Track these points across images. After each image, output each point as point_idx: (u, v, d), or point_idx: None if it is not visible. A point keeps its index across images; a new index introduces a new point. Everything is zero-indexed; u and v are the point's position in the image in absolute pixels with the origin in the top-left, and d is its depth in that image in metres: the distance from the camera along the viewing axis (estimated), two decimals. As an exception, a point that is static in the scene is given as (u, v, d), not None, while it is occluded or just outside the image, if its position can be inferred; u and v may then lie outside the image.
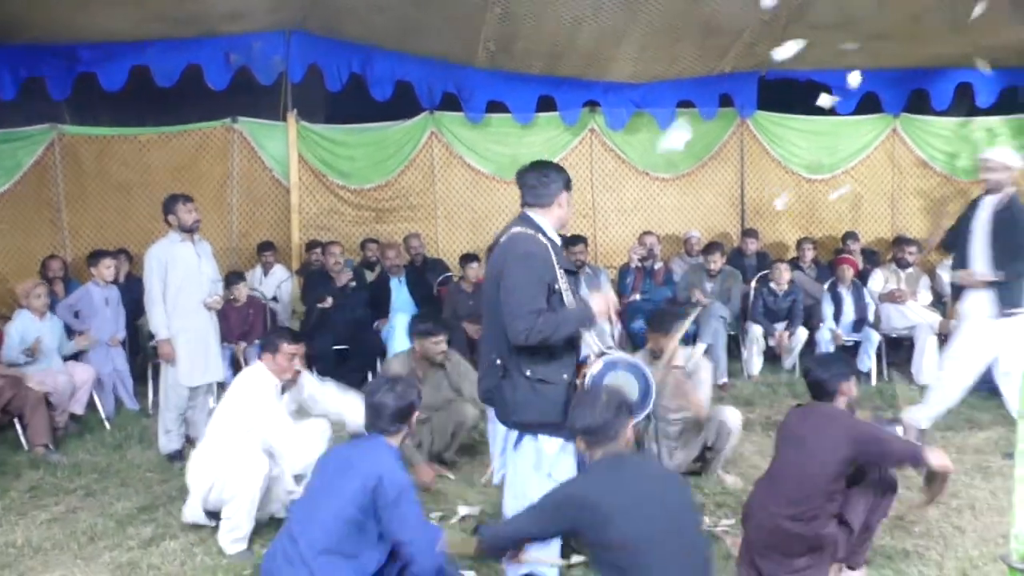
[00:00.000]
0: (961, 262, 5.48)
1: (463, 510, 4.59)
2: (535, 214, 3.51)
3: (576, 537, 2.90)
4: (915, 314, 7.52)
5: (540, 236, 3.44)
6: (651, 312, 5.14)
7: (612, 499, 2.75)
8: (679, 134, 5.87)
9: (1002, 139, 9.11)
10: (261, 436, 4.27)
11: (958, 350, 5.52)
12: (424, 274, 8.09)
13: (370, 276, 7.96)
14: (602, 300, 3.46)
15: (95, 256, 6.90)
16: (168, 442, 5.60)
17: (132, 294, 6.95)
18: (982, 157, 5.58)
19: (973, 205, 5.55)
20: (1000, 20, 7.19)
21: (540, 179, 3.51)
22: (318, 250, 7.97)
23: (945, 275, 8.29)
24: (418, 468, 4.87)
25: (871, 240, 9.18)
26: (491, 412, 3.65)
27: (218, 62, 7.63)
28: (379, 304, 7.61)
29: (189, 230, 5.54)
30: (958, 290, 5.55)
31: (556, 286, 3.36)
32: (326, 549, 3.07)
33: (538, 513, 2.92)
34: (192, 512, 4.40)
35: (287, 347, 4.40)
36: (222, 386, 6.84)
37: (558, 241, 3.54)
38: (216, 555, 4.10)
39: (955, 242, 5.61)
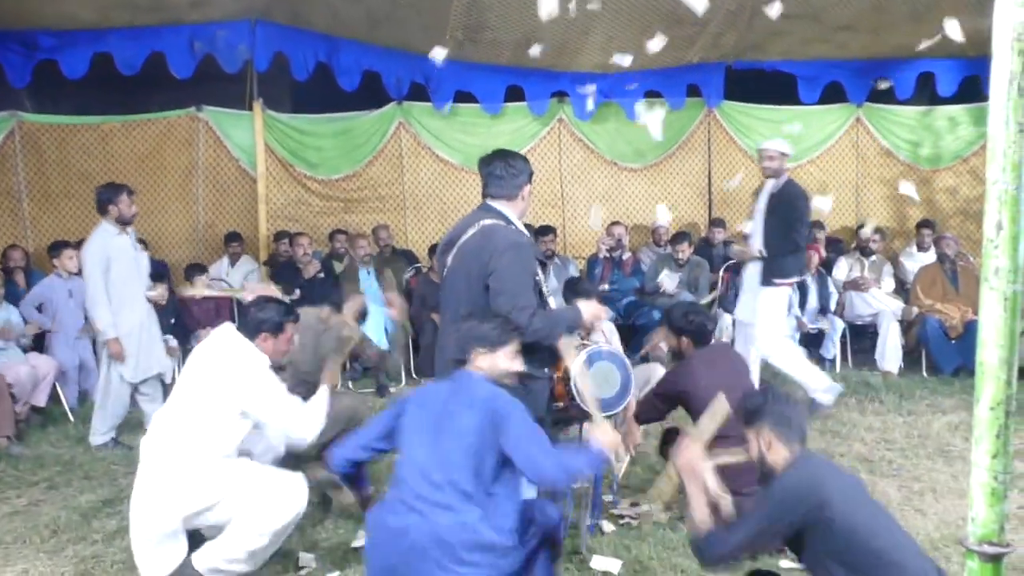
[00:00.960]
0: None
1: None
2: (500, 205, 3.43)
3: (797, 538, 2.64)
4: (878, 301, 7.63)
5: (513, 227, 3.39)
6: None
7: (828, 487, 2.58)
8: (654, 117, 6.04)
9: (963, 127, 9.27)
10: (272, 427, 3.60)
11: (760, 326, 5.98)
12: (393, 265, 8.05)
13: (338, 267, 7.90)
14: (594, 310, 3.44)
15: (56, 247, 6.79)
16: (101, 438, 5.59)
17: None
18: (760, 147, 6.19)
19: (759, 190, 6.31)
20: (960, 9, 7.31)
21: (508, 170, 3.43)
22: (286, 241, 7.91)
23: (907, 262, 8.45)
24: (339, 492, 4.22)
25: (835, 229, 9.28)
26: None
27: (182, 50, 7.51)
28: (347, 295, 7.55)
29: (127, 223, 5.41)
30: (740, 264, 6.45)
31: (537, 278, 3.33)
32: (464, 489, 2.80)
33: (763, 513, 2.64)
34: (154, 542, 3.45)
35: (292, 328, 3.74)
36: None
37: (526, 232, 3.52)
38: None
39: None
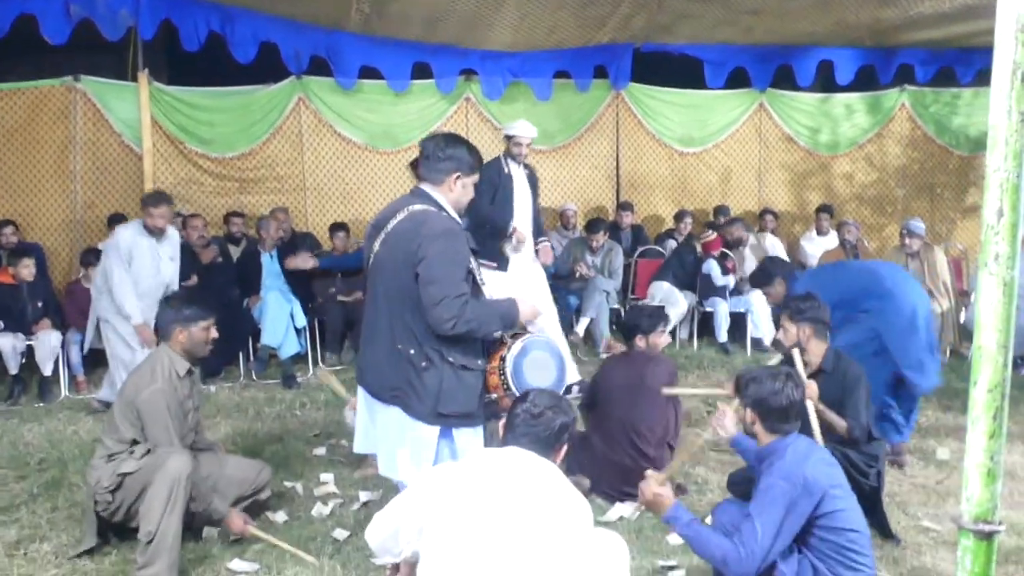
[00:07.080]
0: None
1: (364, 495, 4.36)
2: (431, 190, 3.23)
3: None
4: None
5: (444, 214, 3.19)
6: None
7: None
8: None
9: (859, 115, 9.57)
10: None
11: None
12: (295, 249, 7.65)
13: (235, 251, 7.45)
14: (531, 308, 3.30)
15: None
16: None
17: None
18: (511, 134, 6.29)
19: (508, 176, 6.17)
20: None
21: (437, 152, 3.21)
22: (179, 221, 7.37)
23: (807, 246, 8.66)
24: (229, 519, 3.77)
25: (739, 212, 9.40)
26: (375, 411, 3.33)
27: (56, 13, 6.82)
28: (248, 281, 7.15)
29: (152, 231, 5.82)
30: None
31: (470, 267, 3.15)
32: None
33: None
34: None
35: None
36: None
37: (459, 220, 3.31)
38: (99, 557, 3.66)
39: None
